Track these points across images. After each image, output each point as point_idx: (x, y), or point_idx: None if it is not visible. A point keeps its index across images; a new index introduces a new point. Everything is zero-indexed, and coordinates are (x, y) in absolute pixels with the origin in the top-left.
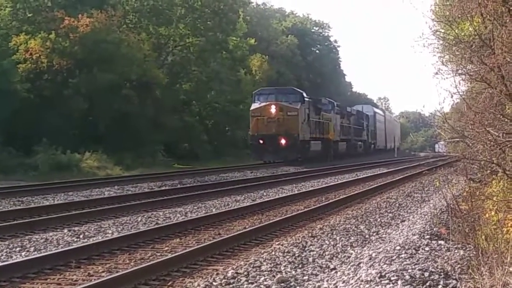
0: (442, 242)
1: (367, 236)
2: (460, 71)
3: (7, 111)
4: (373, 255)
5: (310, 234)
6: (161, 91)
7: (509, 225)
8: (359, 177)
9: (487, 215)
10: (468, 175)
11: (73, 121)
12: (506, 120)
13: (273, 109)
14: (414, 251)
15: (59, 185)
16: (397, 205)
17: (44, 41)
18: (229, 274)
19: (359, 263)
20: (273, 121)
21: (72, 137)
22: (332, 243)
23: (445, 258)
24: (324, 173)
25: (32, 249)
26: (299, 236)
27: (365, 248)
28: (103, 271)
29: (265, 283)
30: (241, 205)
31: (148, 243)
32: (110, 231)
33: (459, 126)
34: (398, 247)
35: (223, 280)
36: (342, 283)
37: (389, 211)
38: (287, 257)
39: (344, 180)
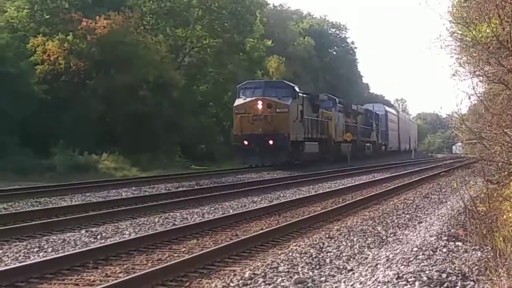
0: (459, 243)
1: (384, 237)
2: (477, 73)
3: (24, 113)
4: (391, 256)
5: (327, 235)
6: (178, 93)
7: None
8: (376, 178)
9: (504, 217)
10: (486, 176)
11: (90, 122)
12: None
13: (259, 105)
14: (431, 252)
15: (77, 186)
16: (414, 206)
17: (61, 43)
18: (246, 275)
19: (377, 264)
20: (259, 119)
21: (89, 138)
22: (349, 244)
23: (463, 259)
24: (340, 175)
25: (49, 249)
26: (316, 237)
27: (382, 249)
28: (120, 272)
29: (282, 284)
30: (258, 206)
31: (166, 244)
32: (127, 232)
33: (476, 128)
34: (415, 249)
35: (240, 281)
36: (360, 284)
37: (406, 212)
38: (304, 258)
39: (361, 182)
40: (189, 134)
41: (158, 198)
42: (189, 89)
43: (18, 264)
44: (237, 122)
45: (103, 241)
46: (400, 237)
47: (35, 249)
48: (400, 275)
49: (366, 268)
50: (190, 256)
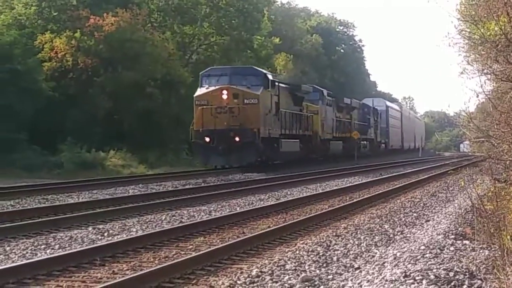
0: (467, 242)
1: (391, 236)
2: (485, 71)
3: (32, 109)
4: (398, 254)
5: (334, 233)
6: (186, 90)
7: None
8: (383, 176)
9: None
10: (494, 175)
11: (97, 119)
12: None
13: (224, 95)
14: (439, 250)
15: (84, 183)
16: (421, 204)
17: (69, 40)
18: (254, 273)
19: (384, 263)
20: (224, 112)
21: (97, 135)
22: (356, 242)
23: (470, 258)
24: (348, 173)
25: (56, 246)
26: (324, 235)
27: (389, 248)
28: (127, 269)
29: (289, 282)
30: (265, 204)
31: (173, 241)
32: (134, 229)
33: (484, 126)
34: (422, 247)
35: (248, 279)
36: (367, 282)
37: (413, 210)
38: (312, 256)
39: (368, 180)
40: None
41: (165, 195)
42: (196, 86)
43: (25, 261)
44: (197, 115)
45: (110, 238)
46: (408, 235)
47: (42, 246)
48: (408, 273)
49: (373, 266)
50: (197, 254)
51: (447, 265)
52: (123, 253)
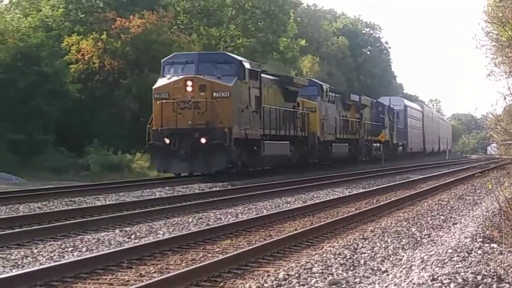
0: (494, 245)
1: (418, 239)
2: None
3: (59, 112)
4: (425, 257)
5: (361, 236)
6: None
7: None
8: (410, 179)
9: None
10: None
11: (124, 121)
12: None
13: (189, 87)
14: (466, 254)
15: (111, 185)
16: (448, 207)
17: (95, 42)
18: (280, 276)
19: (411, 266)
20: (188, 107)
21: (123, 137)
22: (383, 245)
23: (498, 261)
24: (374, 175)
25: (84, 249)
26: (350, 238)
27: (416, 251)
28: (154, 272)
29: (316, 285)
30: (292, 207)
31: (199, 244)
32: (161, 232)
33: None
34: (450, 250)
35: (274, 282)
36: (394, 285)
37: (440, 213)
38: (339, 259)
39: (394, 182)
40: None
41: (192, 198)
42: None
43: (53, 264)
44: (156, 111)
45: (137, 241)
46: (435, 238)
47: (70, 249)
48: (435, 277)
49: (401, 269)
50: (224, 257)
51: (475, 268)
52: (150, 256)
